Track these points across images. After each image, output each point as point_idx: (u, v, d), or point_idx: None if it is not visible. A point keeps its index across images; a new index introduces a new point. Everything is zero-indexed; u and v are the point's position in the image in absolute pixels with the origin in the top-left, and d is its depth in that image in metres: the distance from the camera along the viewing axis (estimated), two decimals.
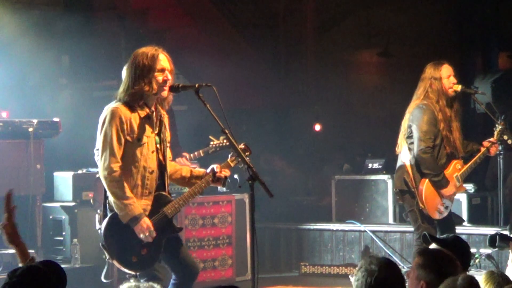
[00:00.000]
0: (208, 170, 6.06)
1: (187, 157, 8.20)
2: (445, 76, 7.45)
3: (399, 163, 7.60)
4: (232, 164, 6.04)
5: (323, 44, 14.15)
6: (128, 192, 5.72)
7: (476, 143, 7.75)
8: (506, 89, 10.93)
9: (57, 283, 3.40)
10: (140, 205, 5.78)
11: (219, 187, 9.30)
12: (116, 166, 5.72)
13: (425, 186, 7.38)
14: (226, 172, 6.04)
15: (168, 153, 6.04)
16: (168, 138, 6.03)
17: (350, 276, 7.70)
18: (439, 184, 7.40)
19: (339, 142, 13.81)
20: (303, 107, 13.86)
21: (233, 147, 5.75)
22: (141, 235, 5.76)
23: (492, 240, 5.78)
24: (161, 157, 5.92)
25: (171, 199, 5.97)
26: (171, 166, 6.09)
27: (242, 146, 5.88)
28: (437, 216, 7.45)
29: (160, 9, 12.22)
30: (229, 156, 6.12)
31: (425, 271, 4.24)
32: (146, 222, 5.76)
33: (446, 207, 7.51)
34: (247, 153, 5.84)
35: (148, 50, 5.88)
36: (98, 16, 11.46)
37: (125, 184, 5.73)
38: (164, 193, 5.95)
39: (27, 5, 10.36)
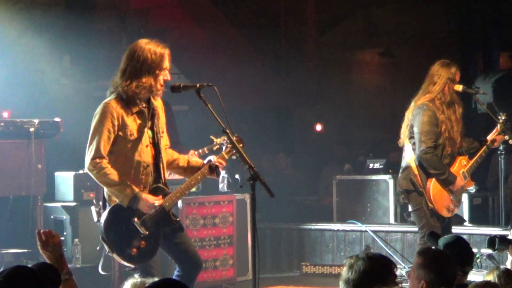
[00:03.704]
0: (205, 161, 6.08)
1: (196, 154, 8.14)
2: (457, 80, 7.48)
3: (404, 164, 7.59)
4: (226, 156, 6.05)
5: (324, 44, 14.17)
6: (118, 178, 5.74)
7: (479, 139, 7.75)
8: (507, 89, 10.94)
9: (49, 285, 3.38)
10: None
11: (220, 187, 9.38)
12: (99, 159, 5.74)
13: (432, 185, 7.38)
14: (221, 162, 6.05)
15: (166, 141, 6.05)
16: (163, 128, 6.03)
17: None
18: (447, 181, 7.40)
19: (340, 142, 13.82)
20: (304, 107, 13.88)
21: (234, 147, 5.75)
22: (152, 210, 5.78)
23: (491, 242, 5.77)
24: (155, 151, 5.93)
25: (169, 191, 5.98)
26: (168, 155, 6.10)
27: (235, 138, 5.90)
28: (446, 213, 7.45)
29: (161, 8, 12.23)
30: (224, 148, 6.13)
31: (425, 271, 4.25)
32: (146, 197, 5.79)
33: (456, 205, 7.52)
34: (241, 145, 5.86)
35: (155, 46, 5.87)
36: (99, 16, 11.47)
37: (113, 171, 5.75)
38: (161, 185, 5.96)
39: (28, 5, 10.36)
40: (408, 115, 7.48)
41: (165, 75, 5.87)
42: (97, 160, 5.74)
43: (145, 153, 5.85)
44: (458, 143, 7.49)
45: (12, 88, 9.56)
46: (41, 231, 4.16)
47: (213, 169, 6.03)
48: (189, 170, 6.10)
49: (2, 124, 8.39)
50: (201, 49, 12.53)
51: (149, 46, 5.85)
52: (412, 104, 7.48)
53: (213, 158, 6.05)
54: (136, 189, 5.77)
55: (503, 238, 5.76)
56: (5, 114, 8.95)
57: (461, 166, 7.53)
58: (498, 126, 7.69)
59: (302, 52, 13.74)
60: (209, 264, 9.05)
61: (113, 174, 5.74)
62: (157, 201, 5.83)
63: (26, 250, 8.31)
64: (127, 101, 5.82)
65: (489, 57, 13.95)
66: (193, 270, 6.00)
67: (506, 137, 7.71)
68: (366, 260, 3.89)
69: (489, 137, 7.67)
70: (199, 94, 5.73)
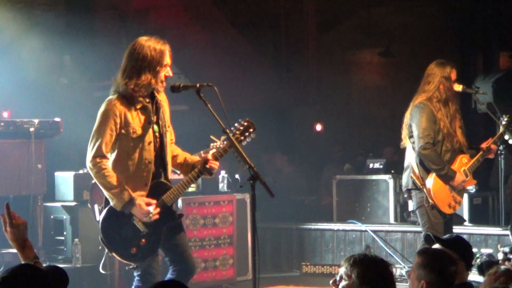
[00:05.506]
0: (201, 159, 6.05)
1: None
2: (453, 78, 7.50)
3: (406, 164, 7.64)
4: (229, 149, 5.99)
5: (324, 43, 14.17)
6: (115, 181, 5.72)
7: (475, 147, 7.75)
8: (507, 89, 10.93)
9: (54, 286, 3.38)
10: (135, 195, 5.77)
11: (220, 187, 9.38)
12: (101, 157, 5.74)
13: (433, 181, 7.40)
14: (215, 164, 5.99)
15: (171, 135, 6.02)
16: (168, 123, 6.01)
17: None
18: (446, 176, 7.41)
19: (340, 142, 13.82)
20: (304, 107, 13.87)
21: (234, 147, 5.74)
22: (144, 218, 5.75)
23: (481, 270, 5.77)
24: (160, 146, 5.92)
25: (170, 186, 5.94)
26: (171, 151, 6.06)
27: (245, 123, 5.89)
28: (448, 210, 7.46)
29: (161, 8, 12.23)
30: (226, 141, 6.12)
31: (426, 271, 4.24)
32: (140, 202, 5.74)
33: (457, 201, 7.53)
34: (251, 130, 5.86)
35: (155, 43, 5.86)
36: (99, 16, 11.47)
37: (112, 173, 5.73)
38: (163, 180, 5.93)
39: (28, 5, 10.36)
40: (407, 115, 7.53)
41: (166, 72, 5.87)
42: (98, 160, 5.73)
43: (147, 150, 5.83)
44: (458, 138, 7.51)
45: (12, 88, 9.57)
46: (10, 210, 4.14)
47: (205, 170, 5.98)
48: (185, 166, 6.06)
49: (2, 124, 8.40)
50: (201, 49, 12.52)
51: (148, 43, 5.85)
52: (410, 104, 7.53)
53: (210, 155, 6.02)
54: (132, 194, 5.73)
55: (490, 263, 5.76)
56: (5, 114, 8.95)
57: (462, 164, 7.56)
58: (501, 128, 7.69)
59: (302, 52, 13.74)
60: (209, 264, 9.05)
61: (111, 177, 5.72)
62: (152, 209, 5.77)
63: None
64: (129, 98, 5.81)
65: (489, 57, 13.95)
66: (186, 274, 5.96)
67: (506, 137, 7.72)
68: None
69: (484, 145, 7.68)
70: (199, 94, 5.72)
